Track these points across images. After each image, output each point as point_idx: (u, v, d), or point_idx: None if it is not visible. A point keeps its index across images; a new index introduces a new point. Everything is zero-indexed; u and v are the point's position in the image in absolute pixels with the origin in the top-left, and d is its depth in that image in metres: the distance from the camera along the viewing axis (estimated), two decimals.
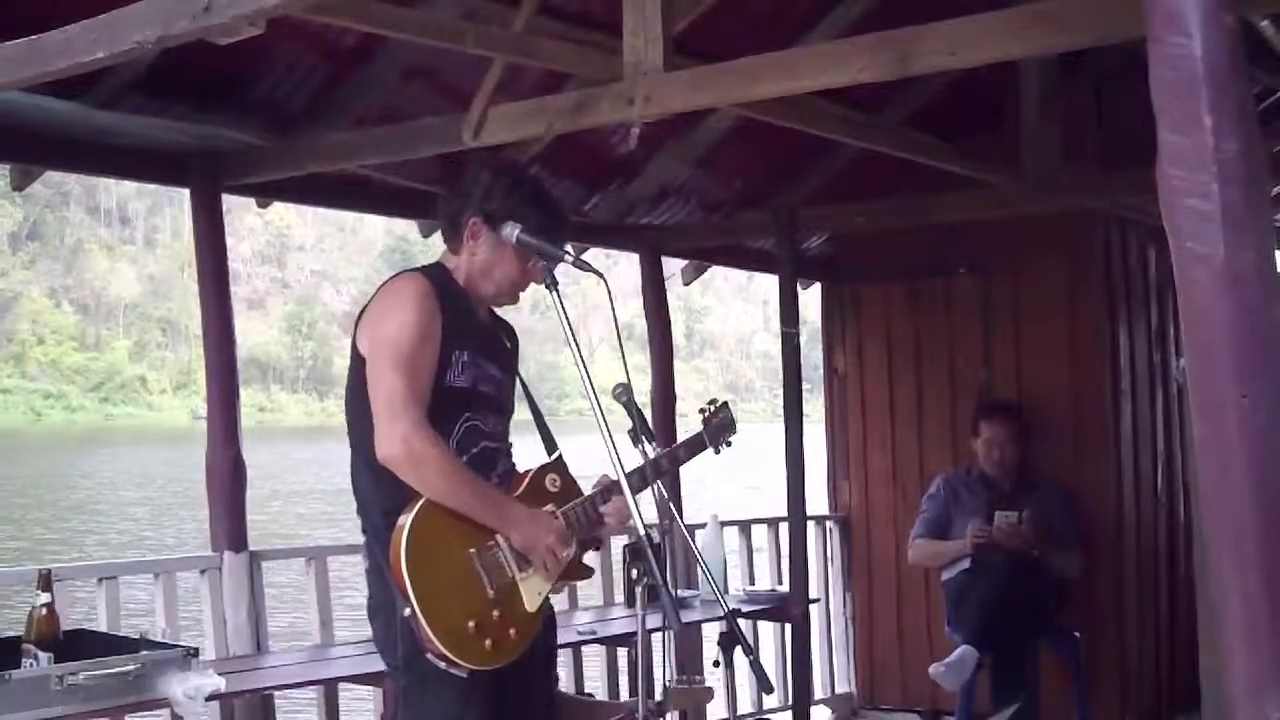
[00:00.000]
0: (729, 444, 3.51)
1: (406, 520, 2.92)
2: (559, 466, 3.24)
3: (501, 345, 3.30)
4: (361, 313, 3.16)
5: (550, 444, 3.31)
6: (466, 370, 3.12)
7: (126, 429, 53.71)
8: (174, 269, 61.08)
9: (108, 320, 63.53)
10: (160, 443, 40.02)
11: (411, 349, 3.01)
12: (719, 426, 3.50)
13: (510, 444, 3.24)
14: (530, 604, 3.04)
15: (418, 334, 3.03)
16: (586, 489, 3.21)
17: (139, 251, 65.71)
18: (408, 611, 2.88)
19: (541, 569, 3.06)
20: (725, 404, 3.57)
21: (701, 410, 3.53)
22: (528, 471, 3.20)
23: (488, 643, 2.93)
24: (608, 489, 3.16)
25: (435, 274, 3.19)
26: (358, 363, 3.10)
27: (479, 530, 3.00)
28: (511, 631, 2.98)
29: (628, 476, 3.01)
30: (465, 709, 2.97)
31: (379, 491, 3.05)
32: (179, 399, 59.07)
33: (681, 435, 6.06)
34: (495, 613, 2.96)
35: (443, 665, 2.90)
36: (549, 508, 3.13)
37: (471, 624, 2.91)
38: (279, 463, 31.61)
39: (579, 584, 5.68)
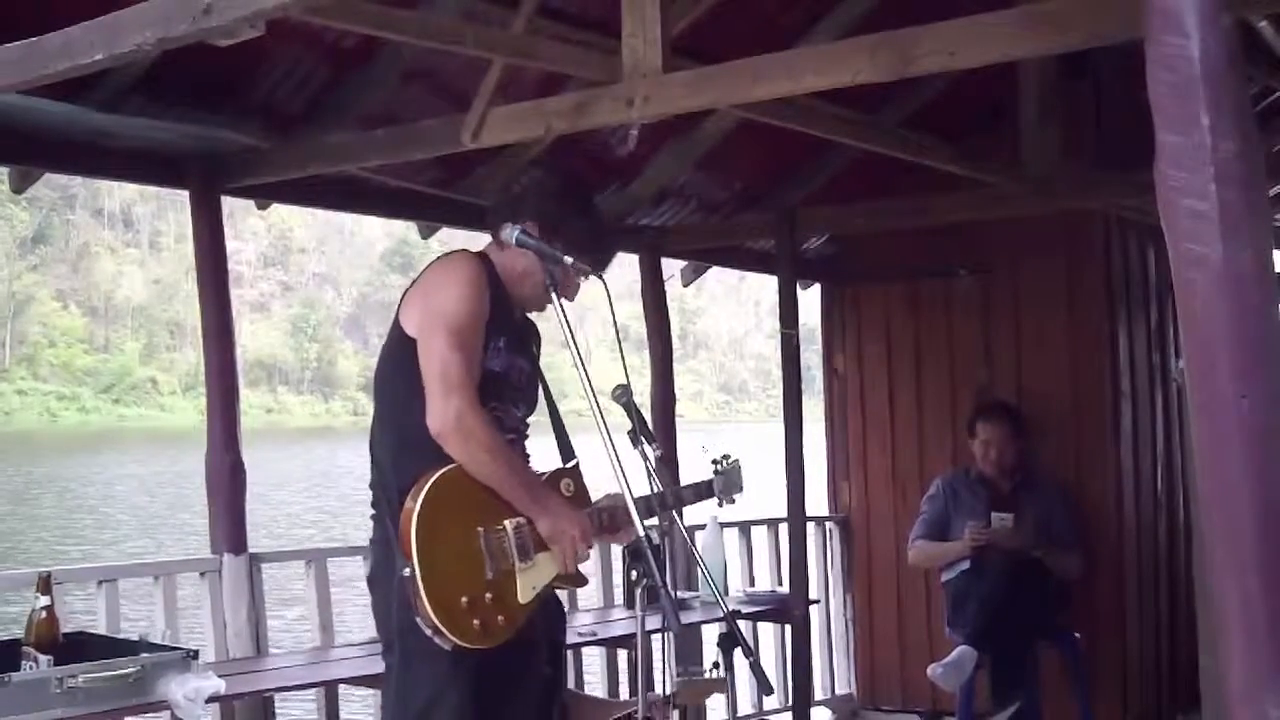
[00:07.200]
0: (733, 501, 3.60)
1: (424, 486, 2.95)
2: (574, 473, 3.28)
3: (529, 346, 3.35)
4: (408, 289, 3.18)
5: (568, 452, 3.33)
6: (501, 357, 3.16)
7: (140, 430, 53.71)
8: (179, 272, 60.93)
9: (115, 323, 63.43)
10: (173, 443, 39.95)
11: (467, 325, 3.05)
12: (728, 481, 3.57)
13: (528, 438, 3.28)
14: (523, 596, 3.06)
15: (474, 311, 3.07)
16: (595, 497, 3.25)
17: (144, 255, 65.66)
18: (407, 571, 2.91)
19: (559, 560, 3.08)
20: (737, 460, 3.63)
21: (714, 462, 3.60)
22: (544, 474, 3.24)
23: (476, 622, 2.95)
24: (615, 507, 3.17)
25: (486, 261, 3.22)
26: (398, 334, 3.12)
27: (491, 514, 3.03)
28: (500, 618, 3.00)
29: (634, 501, 3.02)
30: (448, 687, 2.99)
31: (397, 464, 3.07)
32: (188, 400, 58.95)
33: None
34: (488, 595, 2.98)
35: (429, 633, 2.92)
36: None
37: (464, 599, 2.94)
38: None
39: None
